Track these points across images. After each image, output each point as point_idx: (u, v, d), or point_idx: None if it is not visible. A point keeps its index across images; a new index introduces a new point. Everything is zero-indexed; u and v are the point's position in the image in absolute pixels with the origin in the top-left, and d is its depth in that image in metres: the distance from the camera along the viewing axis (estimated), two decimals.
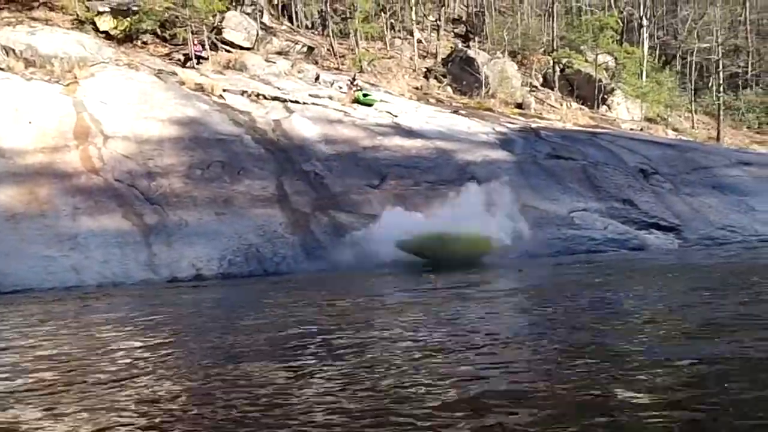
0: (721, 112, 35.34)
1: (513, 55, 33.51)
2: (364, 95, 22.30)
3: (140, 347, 5.67)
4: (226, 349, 5.33)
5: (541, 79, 33.62)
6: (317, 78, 24.55)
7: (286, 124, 18.67)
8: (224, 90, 20.18)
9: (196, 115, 17.87)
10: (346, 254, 13.50)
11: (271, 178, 15.98)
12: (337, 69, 26.91)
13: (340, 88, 23.46)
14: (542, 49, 35.11)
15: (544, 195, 17.27)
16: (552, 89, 32.11)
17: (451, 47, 32.62)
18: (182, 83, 20.07)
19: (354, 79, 23.88)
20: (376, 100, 22.17)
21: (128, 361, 5.09)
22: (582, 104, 31.60)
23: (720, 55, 39.76)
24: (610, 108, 32.37)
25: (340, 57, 28.12)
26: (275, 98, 20.36)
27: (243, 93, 20.33)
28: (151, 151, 15.81)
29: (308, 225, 14.66)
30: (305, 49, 27.49)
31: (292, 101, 20.27)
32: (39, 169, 14.50)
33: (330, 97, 21.88)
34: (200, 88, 19.89)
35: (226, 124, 17.89)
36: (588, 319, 6.00)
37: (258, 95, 20.36)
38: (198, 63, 22.92)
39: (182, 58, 23.28)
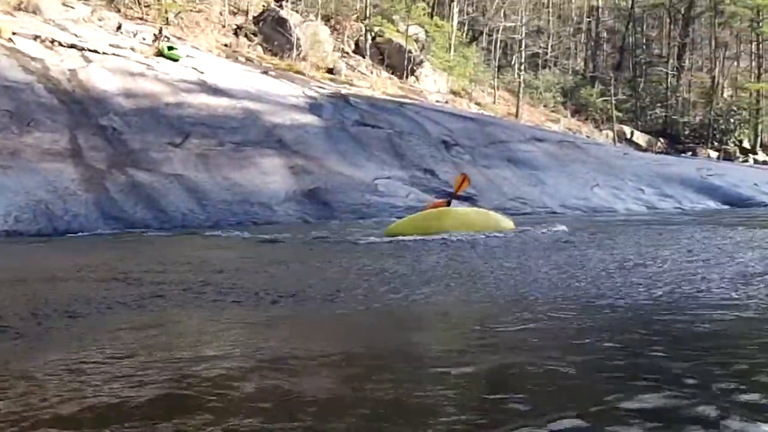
0: (521, 90, 37.27)
1: (326, 19, 33.34)
2: (169, 48, 21.27)
3: None
4: None
5: (353, 46, 33.76)
6: (119, 27, 23.17)
7: (82, 74, 17.51)
8: (14, 33, 18.53)
9: None
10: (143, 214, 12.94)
11: (64, 131, 14.94)
12: (141, 19, 25.54)
13: (144, 39, 22.30)
14: (355, 16, 35.15)
15: (351, 161, 17.41)
16: (363, 57, 32.32)
17: (264, 6, 31.90)
18: None
19: (161, 31, 22.76)
20: (181, 56, 21.24)
21: None
22: (392, 74, 32.11)
23: (523, 35, 41.87)
24: (418, 79, 33.13)
25: (145, 6, 26.74)
26: (72, 46, 19.01)
27: (36, 38, 18.79)
28: None
29: (104, 183, 13.86)
30: None
31: (90, 50, 19.01)
32: None
33: (132, 49, 20.73)
34: None
35: (15, 70, 16.48)
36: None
37: (53, 41, 18.90)
38: None
39: None
